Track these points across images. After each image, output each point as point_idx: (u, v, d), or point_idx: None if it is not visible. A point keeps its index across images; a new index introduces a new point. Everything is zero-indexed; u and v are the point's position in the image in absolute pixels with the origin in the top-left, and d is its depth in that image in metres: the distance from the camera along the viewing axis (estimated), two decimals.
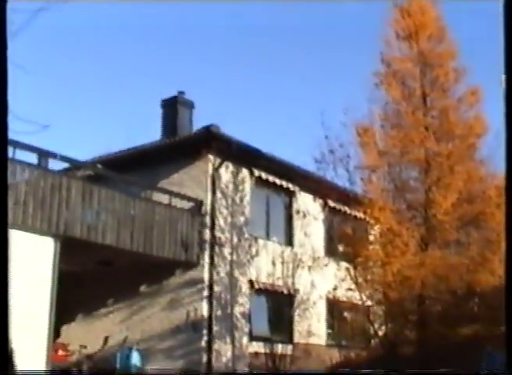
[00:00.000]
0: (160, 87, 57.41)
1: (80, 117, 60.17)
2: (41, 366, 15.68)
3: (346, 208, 22.56)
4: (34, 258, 16.08)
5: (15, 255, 15.13)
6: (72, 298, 19.46)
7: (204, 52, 64.01)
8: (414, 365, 16.84)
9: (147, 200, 20.24)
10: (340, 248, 22.05)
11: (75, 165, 20.12)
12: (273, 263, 22.00)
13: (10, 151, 16.30)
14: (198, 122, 23.80)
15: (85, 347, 20.92)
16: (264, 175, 22.32)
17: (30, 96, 43.86)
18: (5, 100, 4.00)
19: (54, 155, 17.63)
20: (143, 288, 21.07)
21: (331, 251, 23.71)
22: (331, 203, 23.88)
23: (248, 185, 22.04)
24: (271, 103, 64.88)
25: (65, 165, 19.77)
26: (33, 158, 17.13)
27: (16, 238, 15.63)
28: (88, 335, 21.37)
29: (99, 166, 21.38)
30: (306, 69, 66.31)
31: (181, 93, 24.40)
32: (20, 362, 12.01)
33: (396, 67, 19.09)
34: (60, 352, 19.75)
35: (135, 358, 19.76)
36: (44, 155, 17.21)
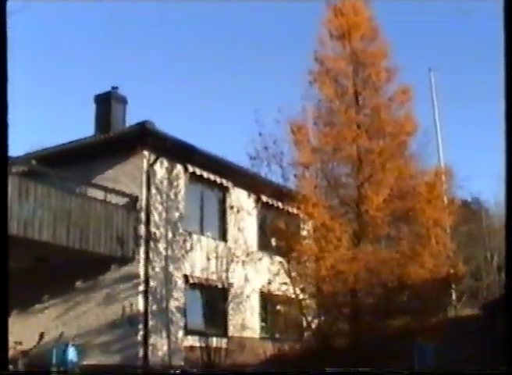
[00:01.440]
0: (93, 82, 57.02)
1: (12, 112, 59.26)
2: None
3: (280, 204, 22.94)
4: None
5: None
6: None
7: (138, 49, 63.72)
8: (347, 357, 17.29)
9: (82, 196, 20.27)
10: (273, 242, 22.39)
11: (9, 161, 19.95)
12: (207, 258, 22.26)
13: None
14: (132, 118, 23.91)
15: (20, 343, 20.74)
16: (198, 171, 22.53)
17: None
18: (5, 101, 4.10)
19: None
20: (78, 284, 21.06)
21: (264, 245, 24.05)
22: (264, 198, 24.29)
23: (183, 181, 22.22)
24: (206, 100, 65.09)
25: None
26: None
27: None
28: (23, 331, 21.17)
29: (34, 161, 21.29)
30: (241, 66, 66.72)
31: (114, 88, 24.36)
32: None
33: (329, 66, 19.47)
34: None
35: (71, 354, 19.80)
36: None
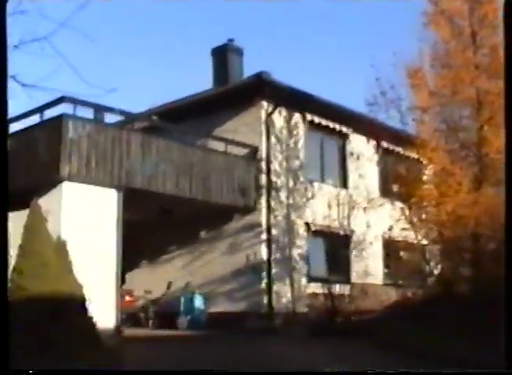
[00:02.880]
0: (210, 35, 57.45)
1: (132, 70, 60.65)
2: (111, 312, 16.41)
3: (400, 149, 22.68)
4: (99, 210, 16.73)
5: (81, 207, 15.86)
6: (135, 246, 20.13)
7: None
8: (469, 303, 17.08)
9: (203, 148, 20.72)
10: (394, 188, 22.20)
11: (131, 118, 20.62)
12: (329, 205, 22.32)
13: (70, 108, 16.92)
14: (248, 69, 24.03)
15: (150, 292, 21.71)
16: (317, 119, 22.59)
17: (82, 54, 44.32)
18: (4, 93, 4.13)
19: (111, 110, 18.18)
20: (203, 234, 21.71)
21: (385, 191, 23.90)
22: (384, 144, 24.08)
23: (302, 130, 22.35)
24: (321, 48, 64.54)
25: (122, 118, 20.28)
26: (91, 114, 17.70)
27: (81, 191, 16.31)
28: (152, 281, 22.12)
29: (155, 117, 21.87)
30: (355, 12, 65.62)
31: (230, 40, 24.56)
32: (92, 310, 12.68)
33: (444, 6, 18.87)
34: (127, 298, 20.54)
35: (198, 302, 20.52)
36: (101, 110, 17.71)
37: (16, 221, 13.84)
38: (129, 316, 20.62)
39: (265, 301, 20.19)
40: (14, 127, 18.34)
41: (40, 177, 16.66)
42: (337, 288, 21.61)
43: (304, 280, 21.38)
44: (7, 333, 3.52)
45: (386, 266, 24.44)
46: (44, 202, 14.04)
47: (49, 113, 17.38)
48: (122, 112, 19.08)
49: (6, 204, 3.67)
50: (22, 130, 17.93)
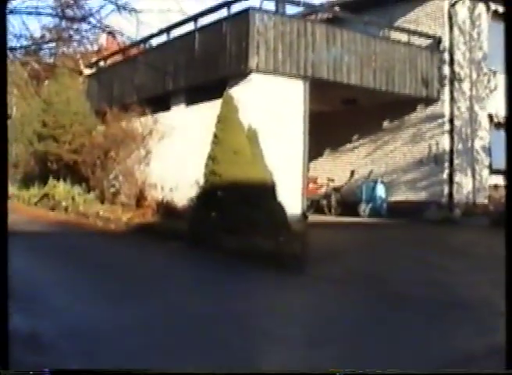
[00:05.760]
0: None
1: None
2: (298, 198, 17.14)
3: None
4: (287, 100, 17.33)
5: (270, 97, 16.54)
6: (319, 135, 20.66)
7: None
8: None
9: (386, 39, 20.73)
10: None
11: (313, 9, 20.85)
12: None
13: (256, 1, 17.42)
14: None
15: (332, 180, 22.37)
16: (501, 9, 21.91)
17: None
18: (4, 91, 4.27)
19: (294, 2, 18.51)
20: (385, 124, 21.90)
21: None
22: None
23: (485, 20, 21.83)
24: None
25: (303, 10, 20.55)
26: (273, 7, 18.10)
27: (270, 82, 16.95)
28: (335, 169, 22.77)
29: (337, 8, 22.00)
30: None
31: None
32: (280, 196, 13.47)
33: None
34: (310, 185, 21.27)
35: (380, 190, 20.98)
36: (284, 1, 18.05)
37: (210, 111, 14.75)
38: (312, 203, 21.41)
39: (446, 191, 20.35)
40: (202, 22, 19.11)
41: (230, 69, 17.39)
42: None
43: (485, 172, 21.33)
44: (7, 329, 3.83)
45: None
46: (235, 93, 14.81)
47: (236, 7, 17.94)
48: (304, 4, 19.36)
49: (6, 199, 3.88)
50: (210, 25, 18.62)
